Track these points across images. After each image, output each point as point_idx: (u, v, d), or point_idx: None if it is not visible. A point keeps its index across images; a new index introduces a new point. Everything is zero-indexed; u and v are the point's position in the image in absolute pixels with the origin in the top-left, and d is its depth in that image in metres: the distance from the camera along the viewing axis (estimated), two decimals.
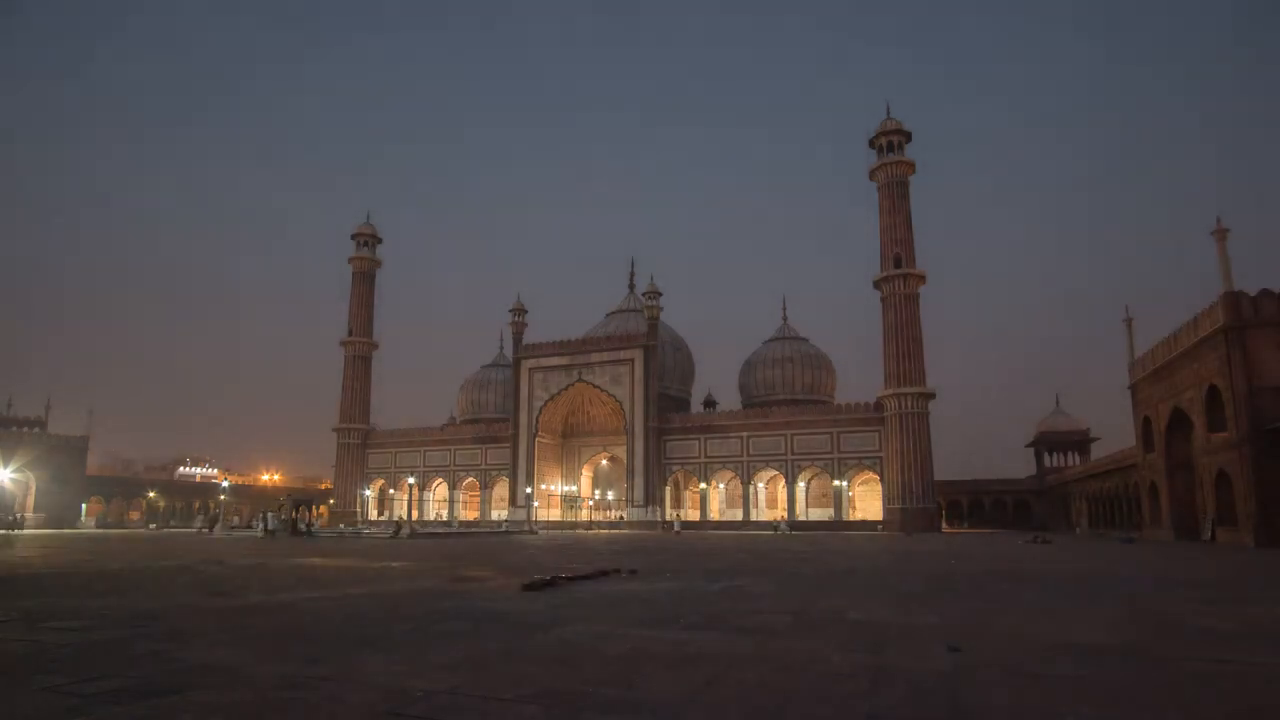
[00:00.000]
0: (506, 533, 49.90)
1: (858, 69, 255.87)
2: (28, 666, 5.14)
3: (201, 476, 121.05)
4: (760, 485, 69.55)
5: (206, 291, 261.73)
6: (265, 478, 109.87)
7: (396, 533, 43.92)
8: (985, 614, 8.02)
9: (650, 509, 67.92)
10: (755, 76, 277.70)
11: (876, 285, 65.78)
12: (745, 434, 69.43)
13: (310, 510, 70.42)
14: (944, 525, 65.35)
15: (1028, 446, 77.63)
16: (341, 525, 68.35)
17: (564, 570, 14.26)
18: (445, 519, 76.12)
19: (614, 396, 71.67)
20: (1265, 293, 28.37)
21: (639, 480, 69.17)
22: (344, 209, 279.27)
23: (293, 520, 43.35)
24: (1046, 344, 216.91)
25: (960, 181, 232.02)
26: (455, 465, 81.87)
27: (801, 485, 68.47)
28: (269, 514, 35.22)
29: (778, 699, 4.20)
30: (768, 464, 68.47)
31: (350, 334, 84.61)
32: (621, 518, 71.82)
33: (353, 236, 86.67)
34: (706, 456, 70.22)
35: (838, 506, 66.34)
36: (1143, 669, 5.04)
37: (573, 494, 76.63)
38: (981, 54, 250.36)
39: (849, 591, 10.59)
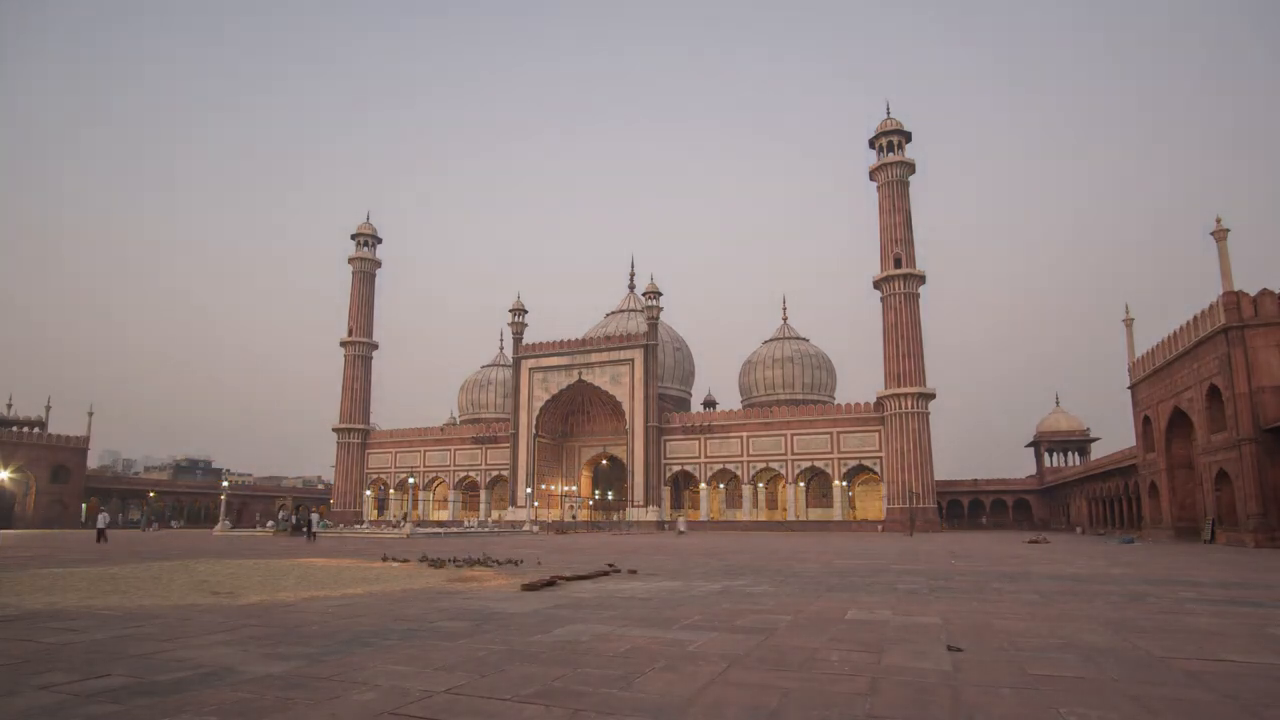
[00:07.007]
0: (506, 532, 49.92)
1: (858, 69, 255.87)
2: (27, 666, 5.14)
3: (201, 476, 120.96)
4: (760, 485, 69.56)
5: (207, 291, 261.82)
6: (266, 478, 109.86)
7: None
8: (986, 614, 8.02)
9: (650, 509, 67.94)
10: (756, 76, 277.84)
11: (876, 285, 65.86)
12: (745, 434, 69.45)
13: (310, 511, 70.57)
14: (943, 525, 65.36)
15: (1028, 446, 77.61)
16: (340, 525, 68.43)
17: (564, 570, 14.26)
18: (446, 519, 76.17)
19: (614, 396, 71.69)
20: (1265, 293, 28.36)
21: (639, 480, 69.18)
22: (344, 209, 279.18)
23: (295, 521, 44.64)
24: (1046, 344, 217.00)
25: (960, 181, 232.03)
26: (455, 465, 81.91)
27: (801, 485, 68.48)
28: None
29: (777, 699, 4.19)
30: (768, 464, 68.48)
31: (350, 334, 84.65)
32: (621, 518, 71.83)
33: (353, 236, 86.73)
34: (706, 456, 70.24)
35: (838, 506, 66.36)
36: (1143, 669, 5.04)
37: (573, 494, 76.65)
38: (982, 53, 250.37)
39: (849, 591, 10.58)
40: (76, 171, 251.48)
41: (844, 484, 66.05)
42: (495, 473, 79.31)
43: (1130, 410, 41.54)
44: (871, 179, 67.79)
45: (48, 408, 70.36)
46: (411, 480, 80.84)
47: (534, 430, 73.86)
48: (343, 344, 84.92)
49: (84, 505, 71.44)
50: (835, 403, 74.06)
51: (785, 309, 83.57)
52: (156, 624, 7.20)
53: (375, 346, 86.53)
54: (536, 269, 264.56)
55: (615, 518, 74.31)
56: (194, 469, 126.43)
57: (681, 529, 54.83)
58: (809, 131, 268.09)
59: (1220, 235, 30.37)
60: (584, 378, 72.70)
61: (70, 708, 3.99)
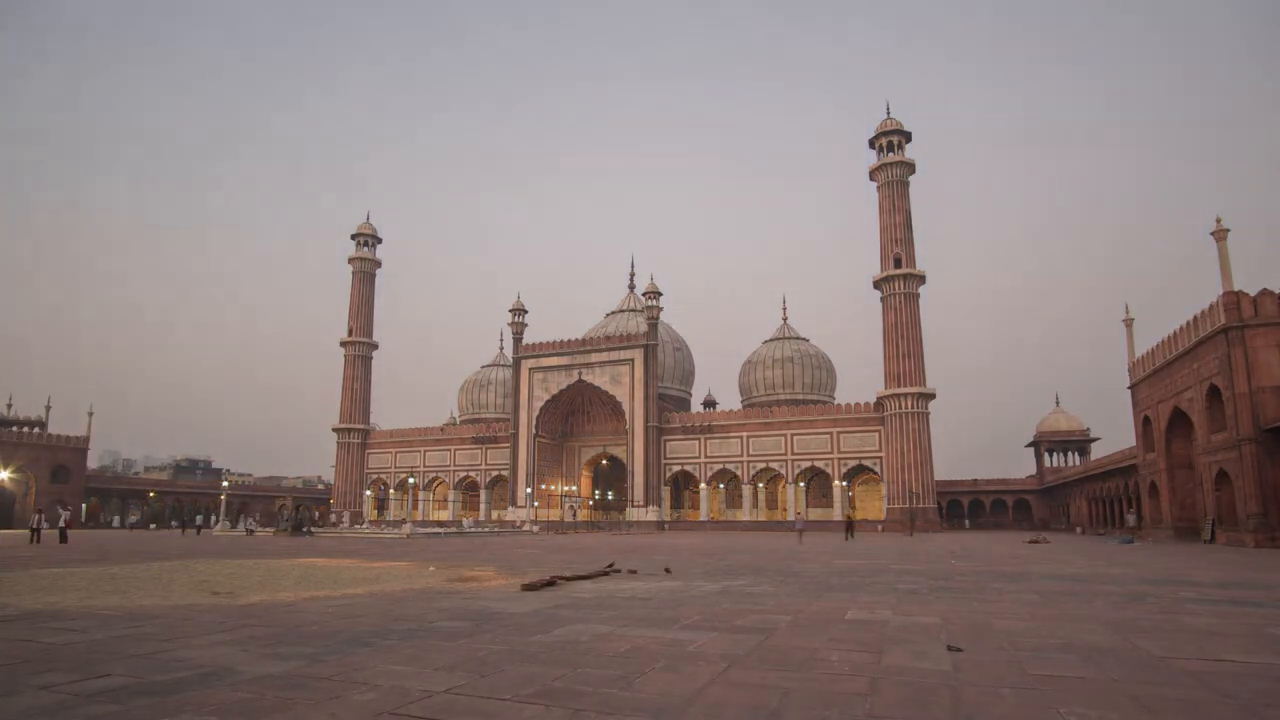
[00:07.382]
0: (506, 532, 49.91)
1: (858, 69, 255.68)
2: (27, 666, 5.14)
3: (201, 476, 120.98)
4: (760, 485, 69.58)
5: (207, 291, 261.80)
6: (266, 478, 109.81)
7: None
8: (986, 614, 8.02)
9: (650, 509, 67.95)
10: (755, 76, 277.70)
11: (876, 285, 65.87)
12: (745, 434, 69.46)
13: (310, 511, 70.68)
14: (943, 525, 65.36)
15: (1028, 446, 77.61)
16: (340, 525, 68.46)
17: (564, 570, 14.27)
18: (446, 519, 76.16)
19: (614, 396, 71.70)
20: (1265, 293, 28.36)
21: (639, 480, 69.18)
22: (344, 209, 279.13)
23: (296, 521, 44.77)
24: (1046, 344, 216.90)
25: (960, 181, 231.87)
26: (455, 465, 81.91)
27: (801, 485, 68.49)
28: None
29: (777, 699, 4.19)
30: (768, 464, 68.50)
31: (350, 334, 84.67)
32: (621, 518, 71.83)
33: (353, 236, 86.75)
34: (706, 456, 70.24)
35: (838, 506, 66.37)
36: (1143, 669, 5.04)
37: (573, 494, 76.67)
38: (982, 53, 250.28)
39: (849, 591, 10.58)
40: (76, 172, 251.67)
41: (844, 484, 66.04)
42: (495, 473, 79.32)
43: (1130, 410, 41.53)
44: (871, 179, 67.80)
45: (48, 408, 70.35)
46: (411, 480, 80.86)
47: (534, 430, 73.87)
48: (343, 344, 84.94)
49: (84, 505, 71.43)
50: (835, 403, 74.07)
51: (785, 309, 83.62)
52: (156, 624, 7.20)
53: (375, 346, 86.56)
54: (536, 269, 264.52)
55: (615, 518, 74.31)
56: (194, 469, 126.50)
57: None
58: (809, 131, 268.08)
59: (1220, 235, 30.36)
60: (584, 378, 72.71)
61: (70, 708, 3.99)
